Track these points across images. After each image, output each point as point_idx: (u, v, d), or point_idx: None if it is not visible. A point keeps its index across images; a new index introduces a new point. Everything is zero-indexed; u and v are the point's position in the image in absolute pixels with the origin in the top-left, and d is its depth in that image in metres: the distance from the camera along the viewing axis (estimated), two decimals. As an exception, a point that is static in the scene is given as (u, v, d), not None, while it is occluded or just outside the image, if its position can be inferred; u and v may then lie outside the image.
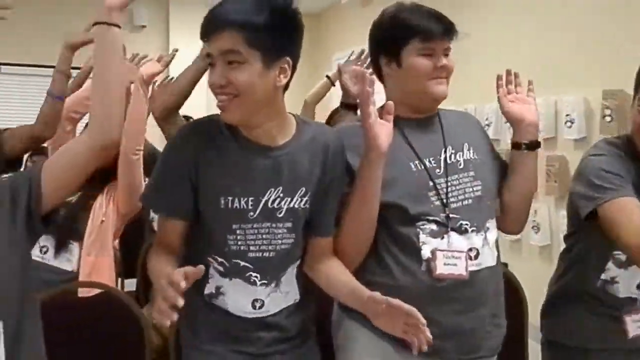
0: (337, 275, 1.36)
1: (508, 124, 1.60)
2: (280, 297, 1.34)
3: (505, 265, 2.35)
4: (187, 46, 6.23)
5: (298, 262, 1.37)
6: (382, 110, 1.33)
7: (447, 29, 1.42)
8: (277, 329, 1.34)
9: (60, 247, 2.03)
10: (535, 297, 1.92)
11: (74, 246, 2.05)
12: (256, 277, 1.30)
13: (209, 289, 1.31)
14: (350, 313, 1.47)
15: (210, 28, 1.20)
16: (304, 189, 1.31)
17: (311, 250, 1.38)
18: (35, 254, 2.01)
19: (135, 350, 1.74)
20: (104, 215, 2.09)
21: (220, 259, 1.30)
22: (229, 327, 1.32)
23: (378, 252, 1.41)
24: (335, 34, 6.04)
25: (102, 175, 2.05)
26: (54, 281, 1.96)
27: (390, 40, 1.44)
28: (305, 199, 1.32)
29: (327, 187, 1.35)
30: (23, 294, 1.16)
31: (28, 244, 1.18)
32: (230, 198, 1.26)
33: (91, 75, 1.18)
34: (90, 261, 2.05)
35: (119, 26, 1.17)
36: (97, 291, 1.81)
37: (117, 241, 3.01)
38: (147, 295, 2.49)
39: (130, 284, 2.72)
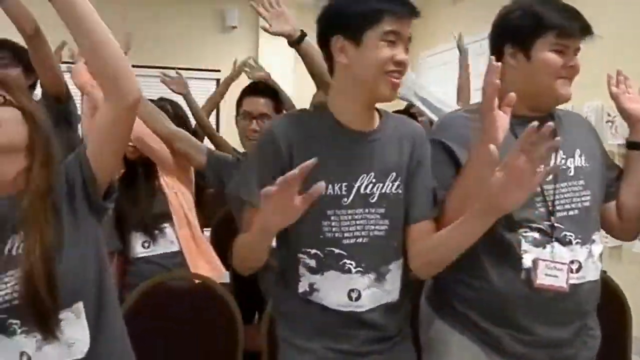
0: (438, 235, 1.32)
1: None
2: (380, 294, 1.32)
3: (603, 272, 2.23)
4: (276, 47, 6.38)
5: (401, 261, 1.35)
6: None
7: (584, 28, 1.37)
8: (373, 327, 1.33)
9: (157, 235, 2.16)
10: (637, 307, 1.80)
11: (168, 227, 2.17)
12: (351, 264, 1.30)
13: (302, 287, 1.32)
14: (440, 313, 1.46)
15: (409, 11, 1.27)
16: (394, 174, 1.32)
17: (412, 241, 1.34)
18: (141, 251, 2.16)
19: (228, 343, 1.81)
20: (173, 189, 2.21)
21: (313, 251, 1.30)
22: (325, 322, 1.32)
23: (476, 252, 1.36)
24: (424, 30, 5.94)
25: (144, 163, 2.18)
26: (166, 266, 2.10)
27: (523, 30, 1.38)
28: (396, 184, 1.32)
29: (414, 172, 1.35)
30: (99, 275, 1.22)
31: (95, 224, 1.23)
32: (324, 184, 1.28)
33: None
34: (185, 234, 2.18)
35: None
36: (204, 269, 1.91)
37: (208, 234, 3.15)
38: (237, 288, 2.55)
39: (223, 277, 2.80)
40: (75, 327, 1.16)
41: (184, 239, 2.17)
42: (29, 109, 1.19)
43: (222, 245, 2.78)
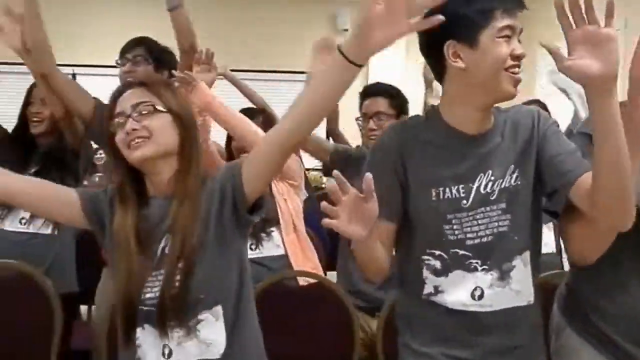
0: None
1: None
2: (507, 294, 1.27)
3: None
4: (386, 51, 6.37)
5: (526, 256, 1.29)
6: None
7: None
8: (499, 334, 1.28)
9: (263, 238, 2.24)
10: None
11: (275, 232, 2.23)
12: (477, 263, 1.27)
13: (427, 289, 1.31)
14: (571, 321, 1.39)
15: (518, 3, 1.24)
16: (512, 166, 1.28)
17: (579, 201, 1.21)
18: (248, 253, 2.24)
19: (344, 341, 1.83)
20: (282, 195, 2.26)
21: (437, 252, 1.28)
22: (447, 327, 1.29)
23: (619, 259, 1.27)
24: (542, 26, 5.65)
25: None
26: (272, 267, 2.17)
27: None
28: (515, 175, 1.28)
29: (542, 145, 1.28)
30: (240, 283, 1.28)
31: (240, 236, 1.30)
32: (441, 189, 1.27)
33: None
34: (292, 239, 2.24)
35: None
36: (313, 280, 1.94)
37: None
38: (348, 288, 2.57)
39: (332, 277, 2.84)
40: (213, 328, 1.24)
41: (290, 244, 2.23)
42: (179, 113, 1.28)
43: (332, 245, 2.83)
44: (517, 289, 1.28)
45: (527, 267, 1.29)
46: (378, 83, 2.36)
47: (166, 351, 1.24)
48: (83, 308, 2.86)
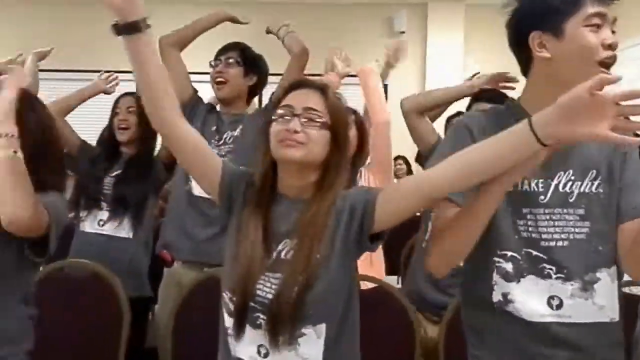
0: None
1: None
2: (589, 307, 1.21)
3: None
4: (443, 52, 6.27)
5: (614, 270, 1.23)
6: None
7: None
8: (578, 347, 1.21)
9: None
10: None
11: None
12: (550, 269, 1.21)
13: (496, 296, 1.25)
14: None
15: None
16: (594, 171, 1.23)
17: (625, 242, 1.20)
18: None
19: (404, 345, 1.82)
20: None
21: (509, 253, 1.23)
22: (519, 337, 1.23)
23: None
24: (624, 17, 5.29)
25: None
26: None
27: None
28: (596, 183, 1.23)
29: (622, 166, 1.23)
30: (347, 302, 1.27)
31: (356, 255, 1.29)
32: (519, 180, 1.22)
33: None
34: None
35: None
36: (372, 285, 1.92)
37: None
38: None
39: (391, 281, 2.82)
40: (313, 345, 1.23)
41: None
42: (339, 132, 1.27)
43: (393, 249, 2.81)
44: (601, 303, 1.21)
45: (614, 282, 1.23)
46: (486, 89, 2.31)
47: (262, 351, 1.24)
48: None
